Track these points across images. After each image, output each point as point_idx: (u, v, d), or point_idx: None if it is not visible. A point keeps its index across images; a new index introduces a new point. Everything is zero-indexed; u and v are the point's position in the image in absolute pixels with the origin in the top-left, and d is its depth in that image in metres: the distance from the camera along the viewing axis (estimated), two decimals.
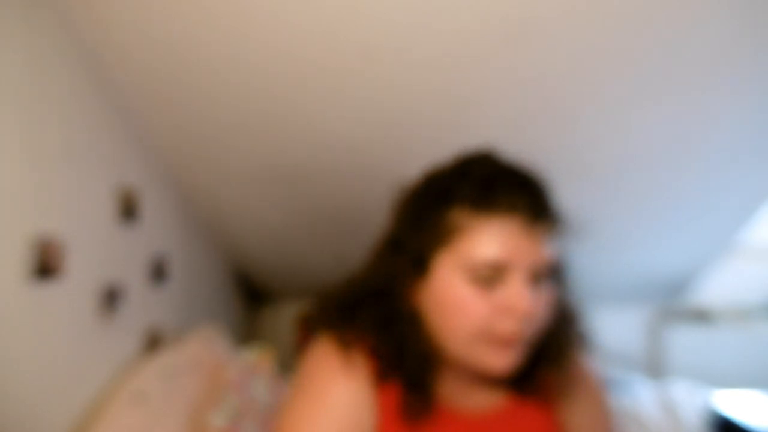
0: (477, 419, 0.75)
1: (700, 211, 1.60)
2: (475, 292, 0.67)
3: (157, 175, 1.46)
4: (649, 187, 1.52)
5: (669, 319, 2.03)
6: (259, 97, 1.29)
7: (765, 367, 1.91)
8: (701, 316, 1.99)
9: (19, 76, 0.96)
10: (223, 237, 1.86)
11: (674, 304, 2.04)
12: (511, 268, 0.67)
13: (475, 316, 0.67)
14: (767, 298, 1.96)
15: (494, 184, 0.69)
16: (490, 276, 0.67)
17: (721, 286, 1.96)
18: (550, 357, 0.75)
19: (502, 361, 0.68)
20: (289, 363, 1.50)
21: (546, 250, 0.69)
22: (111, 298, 1.21)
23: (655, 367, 2.01)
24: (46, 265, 1.00)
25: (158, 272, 1.45)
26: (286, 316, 2.19)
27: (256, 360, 1.41)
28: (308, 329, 0.83)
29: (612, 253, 1.78)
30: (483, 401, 0.76)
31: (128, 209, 1.30)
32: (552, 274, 0.71)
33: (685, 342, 2.00)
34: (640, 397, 1.57)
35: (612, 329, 1.46)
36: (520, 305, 0.65)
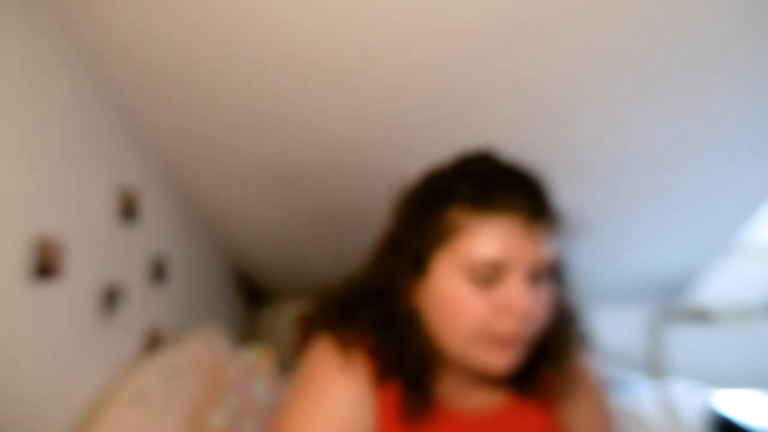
0: (477, 419, 0.75)
1: (700, 211, 1.60)
2: (474, 292, 0.67)
3: (157, 175, 1.46)
4: (649, 187, 1.52)
5: (669, 319, 2.03)
6: (259, 97, 1.29)
7: (765, 367, 1.91)
8: (701, 316, 1.99)
9: (19, 76, 0.96)
10: (223, 237, 1.86)
11: (674, 304, 2.04)
12: (510, 268, 0.67)
13: (474, 315, 0.67)
14: (767, 298, 1.96)
15: (493, 183, 0.69)
16: (489, 275, 0.67)
17: (721, 286, 1.96)
18: (550, 357, 0.75)
19: (501, 360, 0.68)
20: (289, 363, 1.50)
21: (545, 249, 0.69)
22: (111, 298, 1.21)
23: (655, 367, 2.01)
24: (46, 265, 1.00)
25: (158, 272, 1.45)
26: (286, 316, 2.19)
27: (256, 360, 1.41)
28: (308, 329, 0.83)
29: (612, 253, 1.78)
30: (483, 401, 0.76)
31: (128, 209, 1.30)
32: (551, 274, 0.71)
33: (685, 342, 2.00)
34: (640, 397, 1.57)
35: (612, 329, 1.46)
36: (519, 304, 0.65)
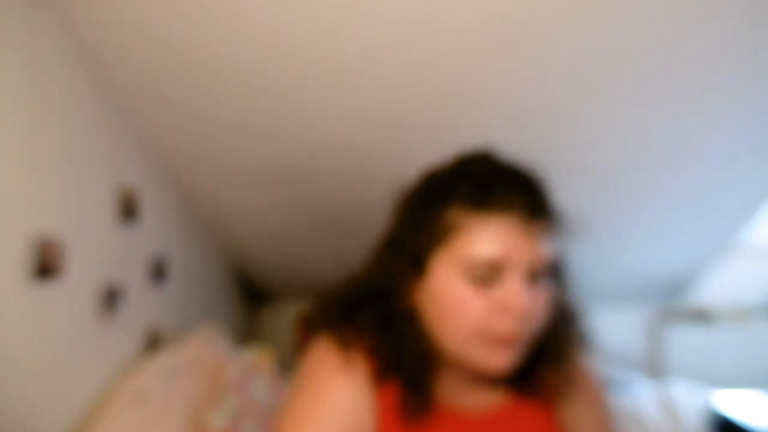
0: (476, 419, 0.75)
1: (700, 211, 1.60)
2: (473, 292, 0.67)
3: (157, 175, 1.46)
4: (649, 187, 1.53)
5: (669, 319, 2.03)
6: (259, 97, 1.29)
7: (765, 367, 1.91)
8: (701, 316, 1.99)
9: (19, 76, 0.96)
10: (223, 237, 1.86)
11: (674, 304, 2.04)
12: (508, 267, 0.67)
13: (474, 315, 0.67)
14: (767, 298, 1.96)
15: (492, 183, 0.69)
16: (488, 275, 0.67)
17: (721, 286, 1.96)
18: (550, 357, 0.75)
19: (500, 360, 0.68)
20: (289, 363, 1.50)
21: (544, 248, 0.69)
22: (111, 298, 1.21)
23: (655, 367, 2.01)
24: (46, 265, 1.00)
25: (158, 272, 1.45)
26: (286, 316, 2.19)
27: (256, 360, 1.41)
28: (308, 329, 0.83)
29: (612, 253, 1.78)
30: (482, 401, 0.76)
31: (128, 209, 1.30)
32: (550, 273, 0.71)
33: (685, 342, 2.00)
34: (640, 397, 1.57)
35: (612, 329, 1.46)
36: (518, 304, 0.65)
